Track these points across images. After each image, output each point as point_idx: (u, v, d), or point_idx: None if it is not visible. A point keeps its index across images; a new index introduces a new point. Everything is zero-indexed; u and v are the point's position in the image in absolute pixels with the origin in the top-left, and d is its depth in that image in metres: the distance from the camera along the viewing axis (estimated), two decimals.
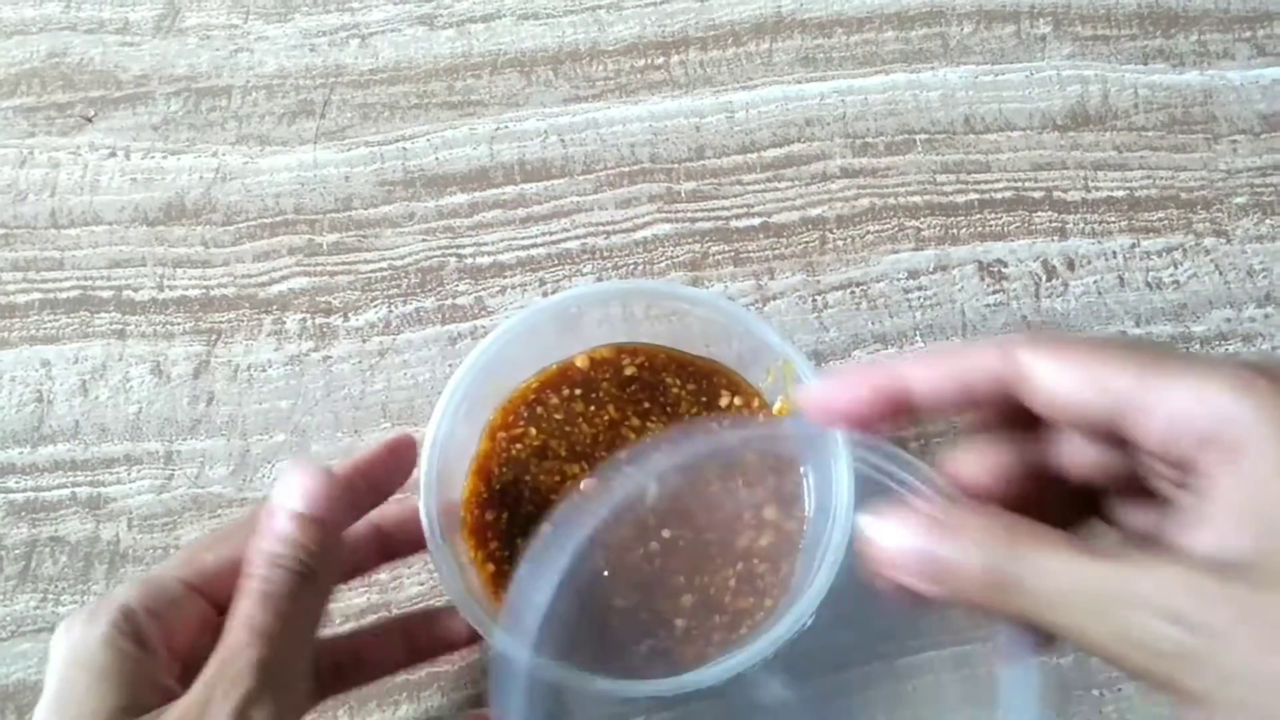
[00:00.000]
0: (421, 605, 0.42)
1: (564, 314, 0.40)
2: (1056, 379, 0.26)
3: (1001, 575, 0.25)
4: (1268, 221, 0.49)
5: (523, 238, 0.49)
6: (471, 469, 0.39)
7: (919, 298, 0.48)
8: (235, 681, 0.28)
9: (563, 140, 0.50)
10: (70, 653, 0.30)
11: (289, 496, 0.32)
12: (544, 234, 0.49)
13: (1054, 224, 0.49)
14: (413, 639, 0.38)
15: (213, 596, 0.32)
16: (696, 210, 0.49)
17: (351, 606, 0.42)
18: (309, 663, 0.32)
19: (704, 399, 0.40)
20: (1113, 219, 0.49)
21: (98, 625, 0.30)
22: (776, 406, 0.40)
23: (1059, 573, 0.24)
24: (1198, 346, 0.47)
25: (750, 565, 0.38)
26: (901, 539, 0.26)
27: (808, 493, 0.38)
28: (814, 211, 0.49)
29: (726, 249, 0.48)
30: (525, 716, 0.31)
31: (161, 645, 0.30)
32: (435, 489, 0.36)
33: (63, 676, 0.30)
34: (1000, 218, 0.49)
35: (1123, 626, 0.23)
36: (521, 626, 0.34)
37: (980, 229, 0.49)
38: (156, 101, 0.52)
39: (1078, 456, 0.28)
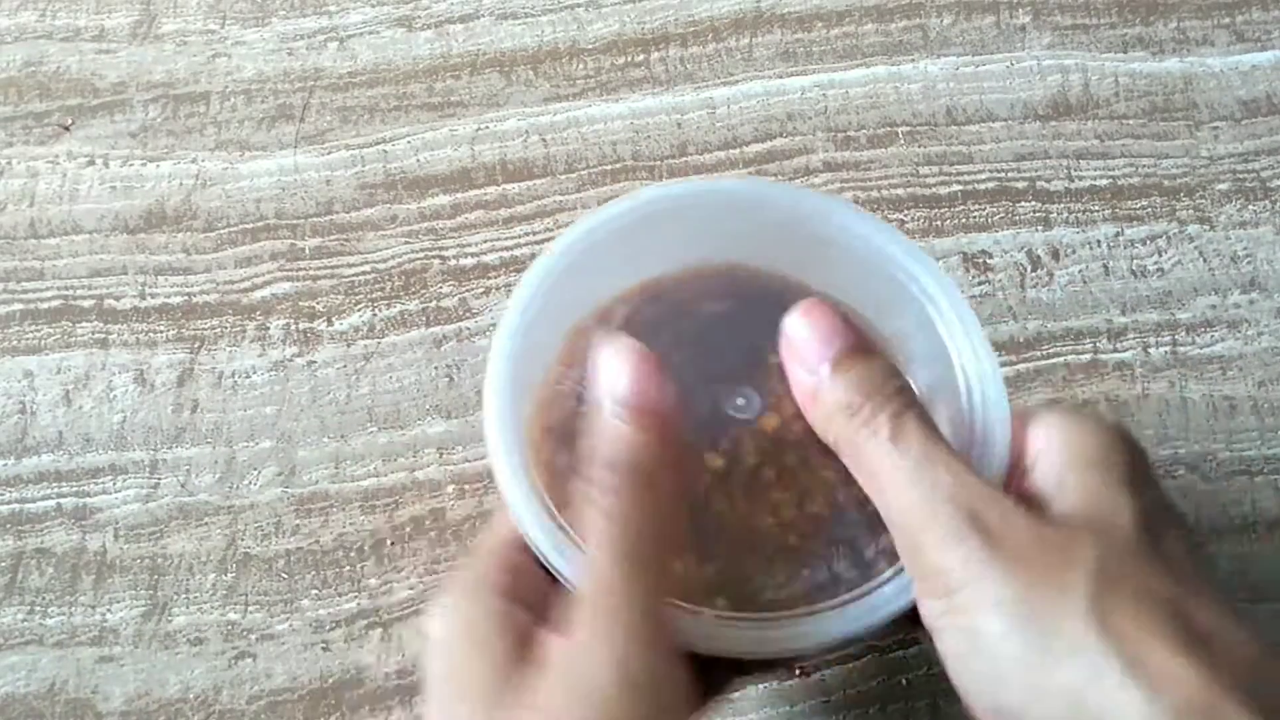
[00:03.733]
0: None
1: (677, 212, 0.34)
2: None
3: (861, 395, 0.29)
4: (1250, 207, 0.49)
5: (506, 238, 0.49)
6: (548, 377, 0.34)
7: None
8: (613, 615, 0.27)
9: (544, 140, 0.50)
10: (450, 631, 0.29)
11: (614, 383, 0.30)
12: (527, 234, 0.49)
13: (1038, 214, 0.49)
14: None
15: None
16: None
17: (341, 611, 0.42)
18: (669, 561, 0.30)
19: None
20: (1096, 208, 0.49)
21: (468, 598, 0.30)
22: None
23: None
24: (1183, 333, 0.47)
25: (856, 510, 0.32)
26: (810, 331, 0.30)
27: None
28: None
29: None
30: None
31: (521, 605, 0.30)
32: (509, 387, 0.32)
33: (449, 651, 0.29)
34: (984, 209, 0.49)
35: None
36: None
37: (964, 220, 0.49)
38: (134, 109, 0.51)
39: None
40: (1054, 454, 0.29)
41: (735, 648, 0.30)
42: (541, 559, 0.30)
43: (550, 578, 0.30)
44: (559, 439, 0.32)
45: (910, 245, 0.33)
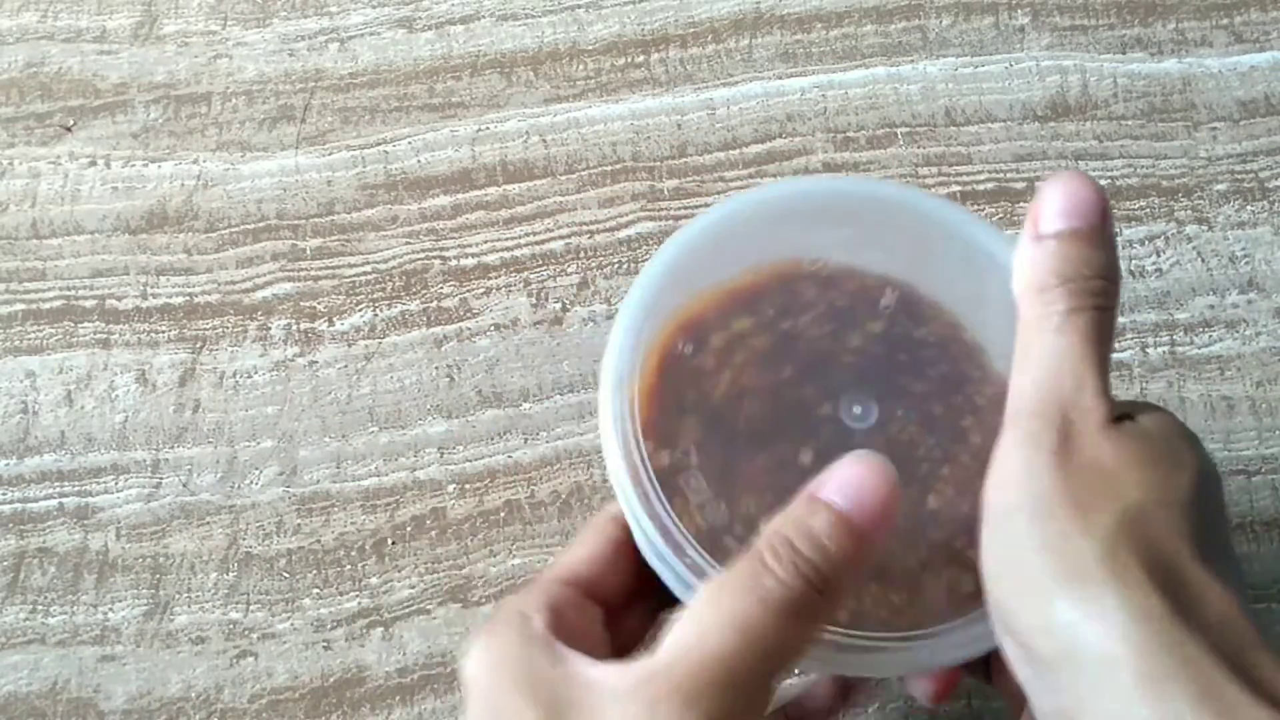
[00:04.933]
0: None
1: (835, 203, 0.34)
2: None
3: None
4: (1249, 208, 0.49)
5: (506, 239, 0.49)
6: (674, 322, 0.33)
7: None
8: (704, 693, 0.25)
9: (544, 140, 0.50)
10: (489, 668, 0.27)
11: (836, 488, 0.28)
12: (528, 235, 0.49)
13: None
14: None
15: (593, 593, 0.31)
16: (680, 208, 0.49)
17: (342, 610, 0.42)
18: (773, 693, 0.27)
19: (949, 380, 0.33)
20: None
21: (506, 636, 0.28)
22: None
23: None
24: (1182, 334, 0.47)
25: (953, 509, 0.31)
26: (1053, 199, 0.29)
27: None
28: None
29: None
30: None
31: (563, 638, 0.28)
32: (634, 346, 0.31)
33: (486, 694, 0.27)
34: (983, 209, 0.49)
35: None
36: None
37: None
38: (136, 109, 0.51)
39: None
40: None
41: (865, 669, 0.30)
42: (648, 542, 0.30)
43: (599, 615, 0.30)
44: (659, 438, 0.32)
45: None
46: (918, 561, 0.30)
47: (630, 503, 0.30)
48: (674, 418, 0.32)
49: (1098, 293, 0.28)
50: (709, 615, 0.26)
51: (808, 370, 0.32)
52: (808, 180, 0.34)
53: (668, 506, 0.30)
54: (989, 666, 0.32)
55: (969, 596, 0.30)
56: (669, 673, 0.25)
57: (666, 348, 0.32)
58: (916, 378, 0.33)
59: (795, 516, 0.27)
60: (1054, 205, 0.29)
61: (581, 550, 0.32)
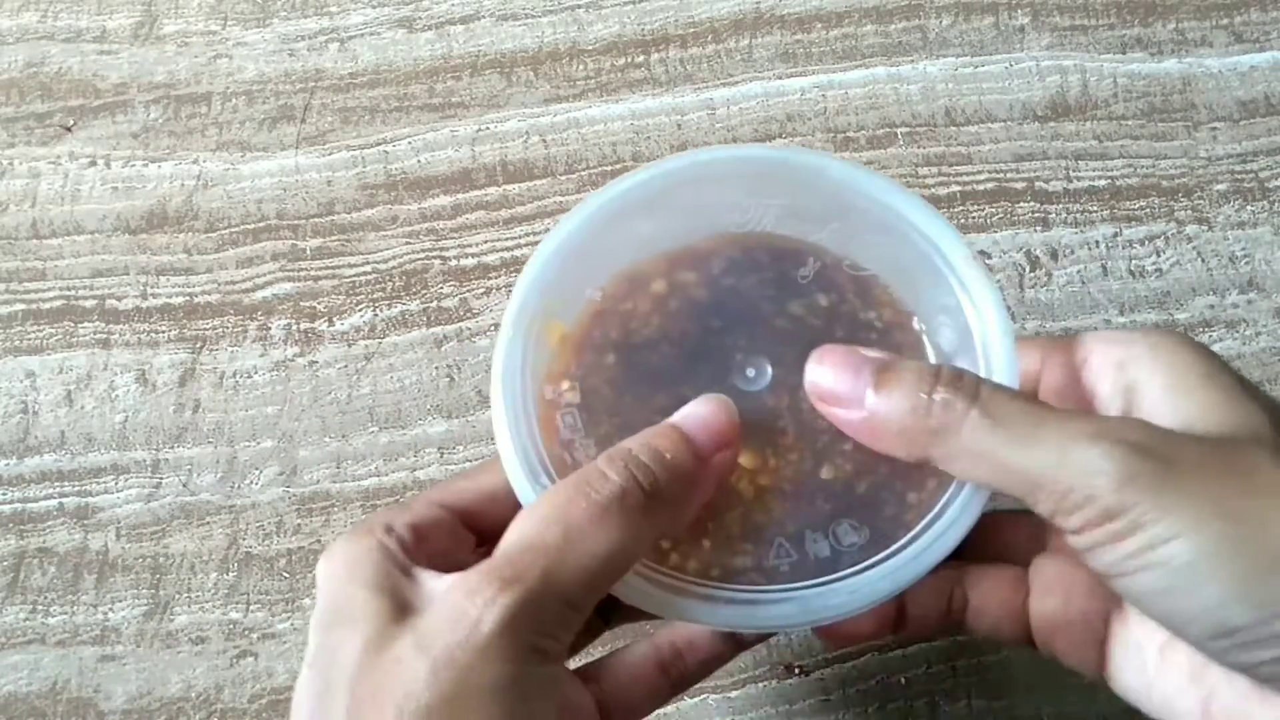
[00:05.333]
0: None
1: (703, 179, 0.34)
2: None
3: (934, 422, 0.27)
4: (1249, 208, 0.49)
5: (506, 239, 0.49)
6: (589, 309, 0.33)
7: None
8: (520, 577, 0.25)
9: (544, 140, 0.50)
10: (339, 568, 0.28)
11: (684, 416, 0.30)
12: (528, 234, 0.49)
13: (1036, 214, 0.49)
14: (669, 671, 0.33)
15: (469, 522, 0.32)
16: None
17: None
18: (600, 595, 0.27)
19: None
20: (1095, 208, 0.49)
21: (362, 541, 0.29)
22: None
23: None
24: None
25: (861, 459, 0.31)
26: (834, 372, 0.29)
27: (929, 349, 0.33)
28: None
29: None
30: None
31: (424, 559, 0.29)
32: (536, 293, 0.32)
33: (334, 590, 0.28)
34: (983, 209, 0.49)
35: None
36: None
37: (963, 220, 0.49)
38: (136, 109, 0.51)
39: None
40: (1155, 378, 0.28)
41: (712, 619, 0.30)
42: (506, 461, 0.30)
43: (471, 543, 0.32)
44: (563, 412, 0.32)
45: (930, 211, 0.33)
46: (796, 526, 0.31)
47: (498, 428, 0.30)
48: (596, 358, 0.32)
49: (960, 371, 0.28)
50: (535, 512, 0.27)
51: (735, 326, 0.33)
52: (755, 148, 0.35)
53: (536, 436, 0.31)
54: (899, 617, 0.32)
55: (827, 562, 0.30)
56: (490, 562, 0.26)
57: (605, 299, 0.33)
58: None
59: (641, 435, 0.29)
60: (843, 374, 0.29)
61: (470, 480, 0.32)
